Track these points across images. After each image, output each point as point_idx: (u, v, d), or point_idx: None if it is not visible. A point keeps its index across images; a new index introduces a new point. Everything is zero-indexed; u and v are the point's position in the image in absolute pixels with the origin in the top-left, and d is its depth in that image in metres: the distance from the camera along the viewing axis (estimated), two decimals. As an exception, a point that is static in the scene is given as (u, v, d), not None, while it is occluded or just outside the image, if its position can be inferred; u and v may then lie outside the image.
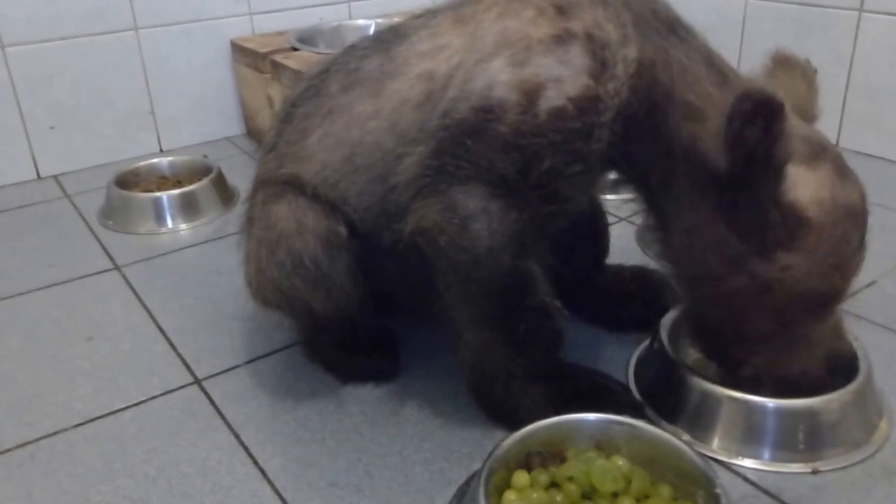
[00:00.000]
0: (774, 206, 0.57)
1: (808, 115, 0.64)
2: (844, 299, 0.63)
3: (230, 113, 1.54)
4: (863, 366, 0.69)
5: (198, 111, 1.50)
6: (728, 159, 0.56)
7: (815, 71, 0.66)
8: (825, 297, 0.61)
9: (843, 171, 0.59)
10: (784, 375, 0.65)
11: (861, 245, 0.60)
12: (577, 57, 0.60)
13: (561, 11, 0.61)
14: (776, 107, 0.53)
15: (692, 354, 0.75)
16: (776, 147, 0.54)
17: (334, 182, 0.69)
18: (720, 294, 0.62)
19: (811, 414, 0.66)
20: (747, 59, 1.43)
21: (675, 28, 0.63)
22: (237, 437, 0.72)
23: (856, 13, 1.27)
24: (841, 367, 0.66)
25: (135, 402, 0.77)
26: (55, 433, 0.74)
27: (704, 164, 0.59)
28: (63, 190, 1.32)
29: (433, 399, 0.75)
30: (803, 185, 0.57)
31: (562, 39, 0.60)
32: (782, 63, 0.66)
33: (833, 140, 1.34)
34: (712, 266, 0.61)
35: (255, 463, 0.68)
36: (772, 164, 0.55)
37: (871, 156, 1.31)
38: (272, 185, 0.73)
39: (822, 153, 0.59)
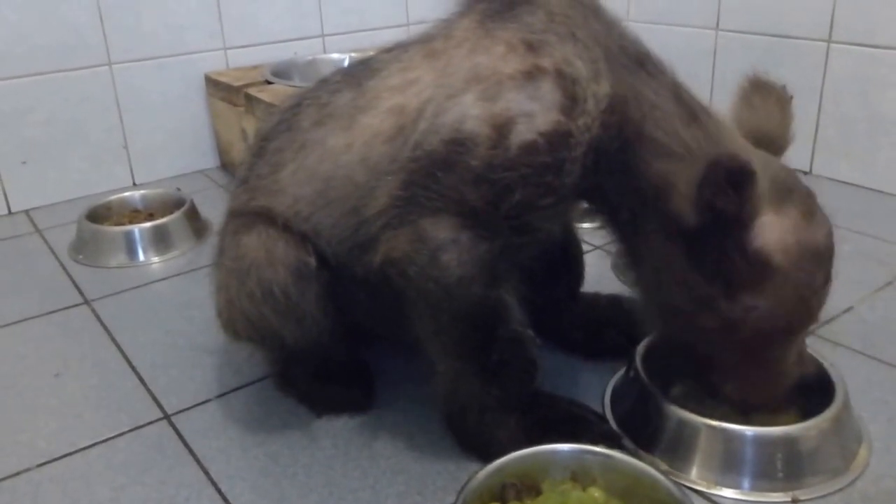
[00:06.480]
0: (740, 255, 0.58)
1: (782, 142, 0.65)
2: (809, 328, 0.64)
3: (204, 146, 1.54)
4: (839, 392, 0.68)
5: (172, 144, 1.50)
6: (697, 219, 0.57)
7: (791, 98, 0.67)
8: (790, 331, 0.62)
9: (809, 212, 0.60)
10: (756, 402, 0.66)
11: (826, 281, 0.60)
12: (548, 93, 0.60)
13: (531, 48, 0.62)
14: (747, 175, 0.54)
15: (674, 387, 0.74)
16: (745, 209, 0.55)
17: (307, 215, 0.69)
18: (689, 326, 0.63)
19: (789, 441, 0.65)
20: (719, 89, 1.43)
21: (644, 63, 0.63)
22: (206, 472, 0.70)
23: (824, 44, 1.30)
24: (805, 386, 0.66)
25: (101, 438, 0.75)
26: (17, 473, 0.71)
27: (675, 218, 0.59)
28: (34, 225, 1.30)
29: (407, 431, 0.74)
30: (769, 232, 0.58)
31: (532, 75, 0.60)
32: (757, 88, 0.67)
33: (806, 168, 1.37)
34: (680, 303, 0.62)
35: (225, 499, 0.67)
36: (739, 223, 0.56)
37: (844, 182, 1.33)
38: (243, 216, 0.72)
39: (789, 195, 0.59)
